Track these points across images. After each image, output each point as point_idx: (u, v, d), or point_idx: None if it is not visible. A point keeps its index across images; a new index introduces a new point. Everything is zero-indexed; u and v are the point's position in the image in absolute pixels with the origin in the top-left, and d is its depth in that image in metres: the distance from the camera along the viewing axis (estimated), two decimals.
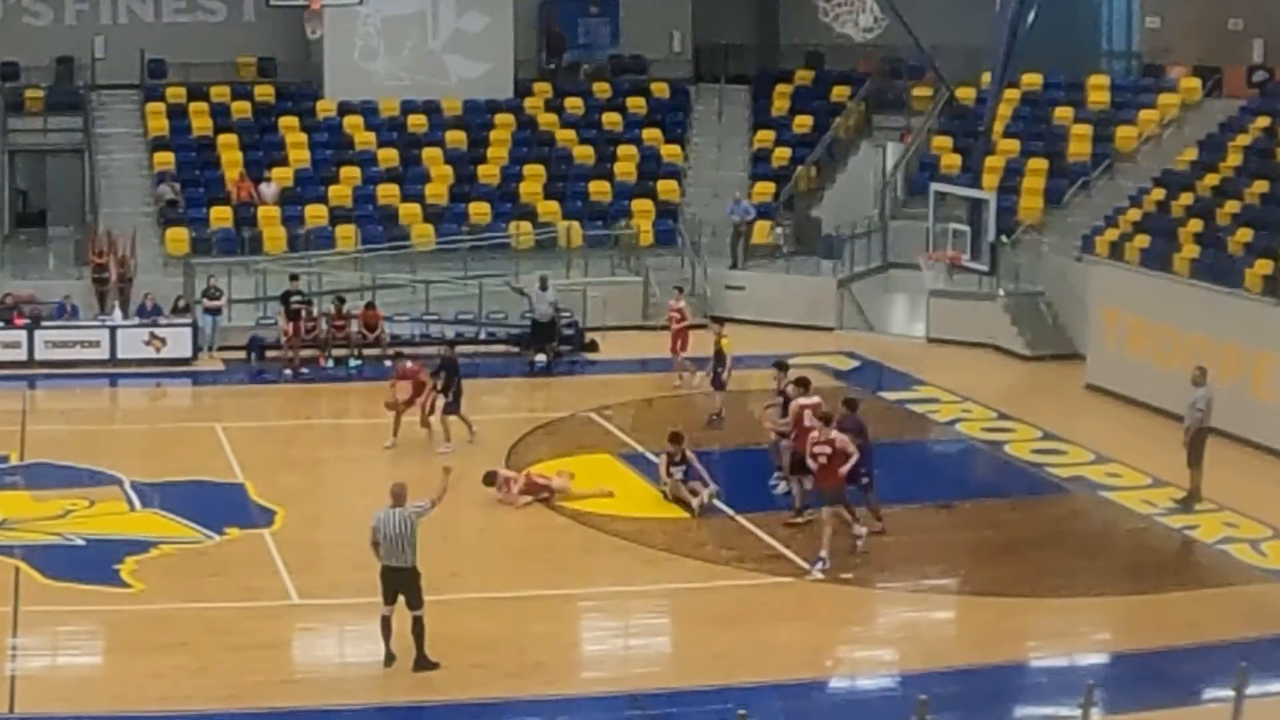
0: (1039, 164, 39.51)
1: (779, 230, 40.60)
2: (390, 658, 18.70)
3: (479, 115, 42.93)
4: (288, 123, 42.05)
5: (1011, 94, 40.83)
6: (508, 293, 37.05)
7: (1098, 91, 41.10)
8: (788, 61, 45.74)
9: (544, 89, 43.99)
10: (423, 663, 18.62)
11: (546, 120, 43.06)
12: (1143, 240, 34.66)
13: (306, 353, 34.59)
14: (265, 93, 42.78)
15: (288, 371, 33.90)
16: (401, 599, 18.65)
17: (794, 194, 41.72)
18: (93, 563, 22.20)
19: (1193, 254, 33.15)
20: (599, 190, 41.49)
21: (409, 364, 28.76)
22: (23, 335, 34.19)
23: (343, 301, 35.02)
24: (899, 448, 29.58)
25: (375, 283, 37.12)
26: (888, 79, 43.74)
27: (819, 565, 21.92)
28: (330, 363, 34.65)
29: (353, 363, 34.74)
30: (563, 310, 35.66)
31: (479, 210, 40.20)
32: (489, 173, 41.60)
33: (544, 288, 34.69)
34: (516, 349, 35.57)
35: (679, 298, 34.07)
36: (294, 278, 35.23)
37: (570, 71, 45.14)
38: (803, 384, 25.04)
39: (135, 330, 34.59)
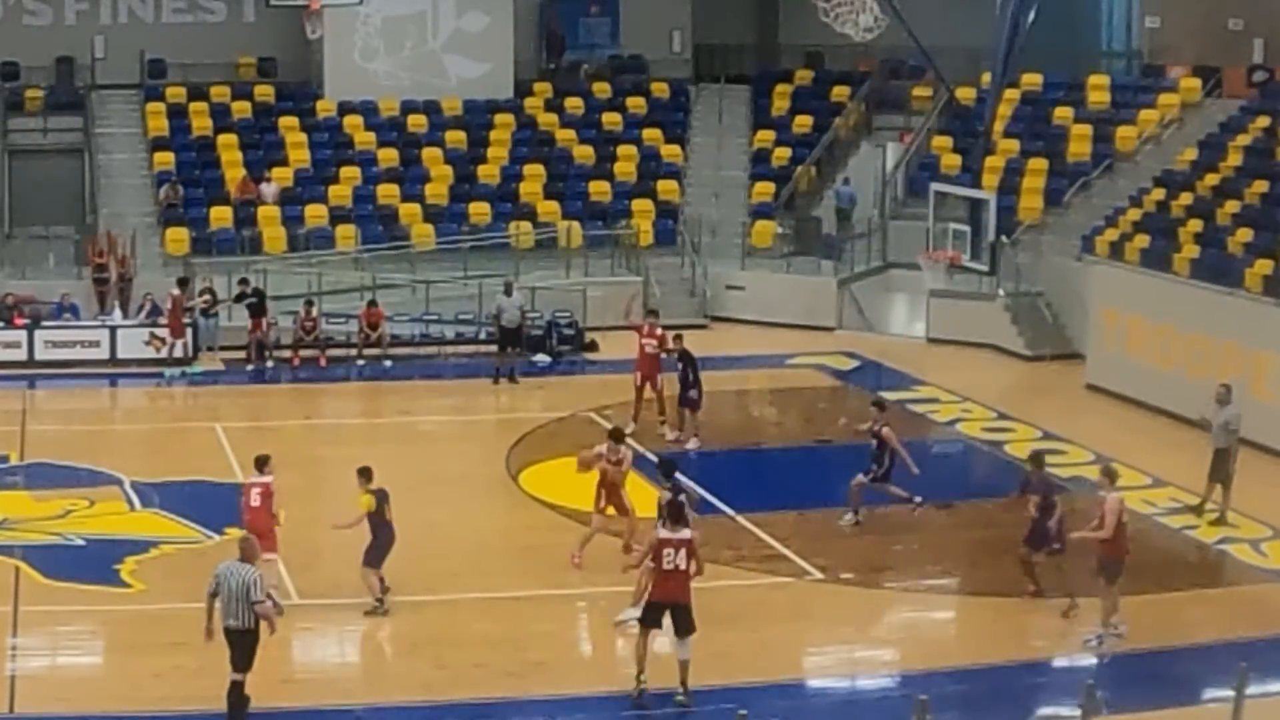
0: (1039, 164, 39.51)
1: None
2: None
3: (479, 115, 42.93)
4: (288, 123, 42.06)
5: (1011, 94, 40.84)
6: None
7: (1098, 91, 41.11)
8: (788, 61, 45.76)
9: (544, 89, 43.99)
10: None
11: (546, 120, 43.06)
12: (1143, 240, 34.67)
13: (306, 353, 34.65)
14: (265, 93, 42.78)
15: (250, 368, 34.04)
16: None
17: (794, 194, 41.74)
18: (93, 563, 22.22)
19: (1193, 254, 33.17)
20: (599, 190, 41.49)
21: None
22: (23, 335, 34.20)
23: (310, 304, 34.98)
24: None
25: (375, 282, 37.12)
26: (888, 79, 43.75)
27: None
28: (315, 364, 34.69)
29: (359, 362, 34.78)
30: (530, 314, 35.51)
31: (479, 210, 40.21)
32: (489, 173, 41.61)
33: (509, 293, 34.12)
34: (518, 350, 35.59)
35: (655, 322, 29.98)
36: (243, 280, 35.09)
37: (570, 71, 45.13)
38: (1111, 475, 20.85)
39: (135, 330, 34.60)
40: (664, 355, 29.23)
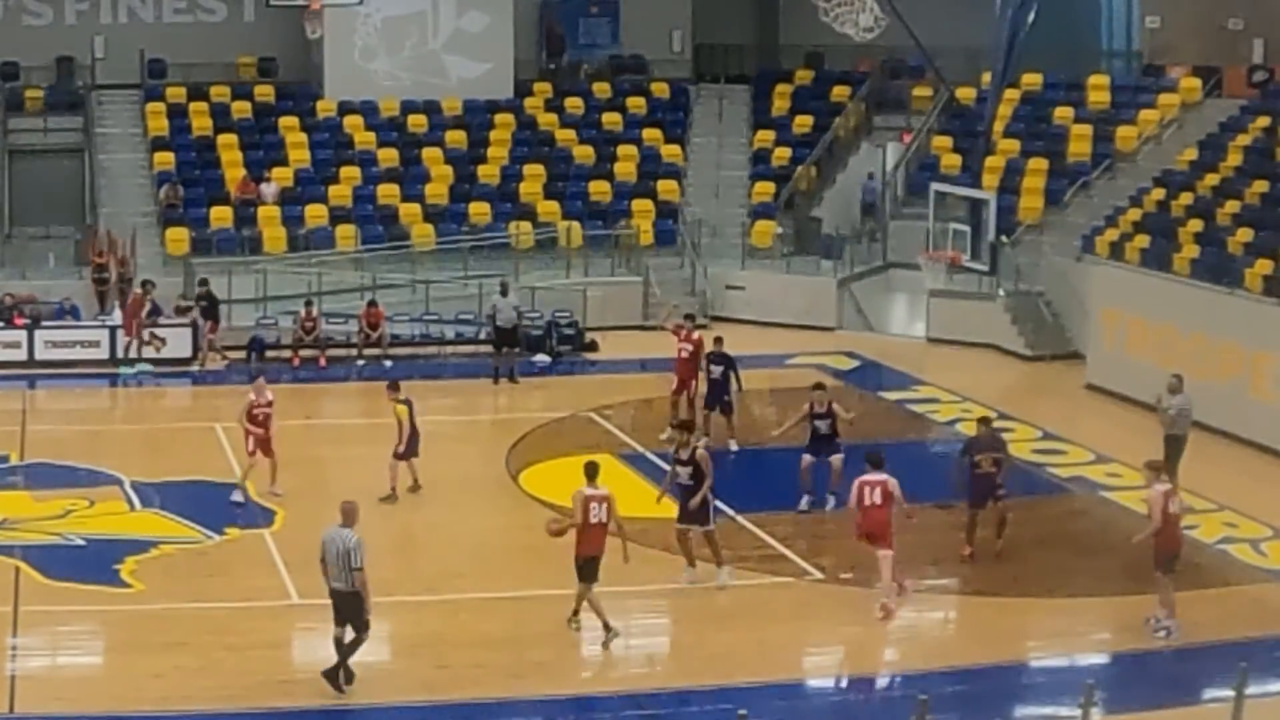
0: (1039, 164, 39.52)
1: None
2: (350, 676, 18.30)
3: (479, 115, 42.93)
4: (288, 123, 42.07)
5: (1011, 94, 40.85)
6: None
7: (1098, 91, 41.12)
8: (788, 61, 45.76)
9: (544, 89, 44.00)
10: (339, 675, 18.18)
11: (546, 120, 43.07)
12: (1143, 240, 34.68)
13: (307, 353, 34.65)
14: (265, 93, 42.80)
15: (196, 367, 34.27)
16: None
17: (794, 194, 41.74)
18: (93, 563, 22.22)
19: (1193, 254, 33.18)
20: (599, 190, 41.49)
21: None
22: (23, 335, 34.20)
23: (310, 304, 35.02)
24: (899, 448, 29.61)
25: (375, 282, 37.14)
26: (888, 79, 43.77)
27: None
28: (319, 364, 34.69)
29: (359, 362, 34.80)
30: (527, 314, 35.48)
31: (479, 210, 40.21)
32: (489, 173, 41.61)
33: (505, 293, 34.11)
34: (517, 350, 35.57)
35: (690, 326, 29.73)
36: (202, 282, 35.17)
37: (570, 71, 45.15)
38: (1156, 468, 20.95)
39: None
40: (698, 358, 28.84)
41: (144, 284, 34.93)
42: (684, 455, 21.74)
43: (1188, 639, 20.05)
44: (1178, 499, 20.63)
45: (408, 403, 25.19)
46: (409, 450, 25.14)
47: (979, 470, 22.86)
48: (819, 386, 26.00)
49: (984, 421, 23.98)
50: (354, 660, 18.67)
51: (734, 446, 27.97)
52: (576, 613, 19.93)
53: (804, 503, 24.77)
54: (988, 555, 22.81)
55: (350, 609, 18.10)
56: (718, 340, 28.94)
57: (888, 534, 20.95)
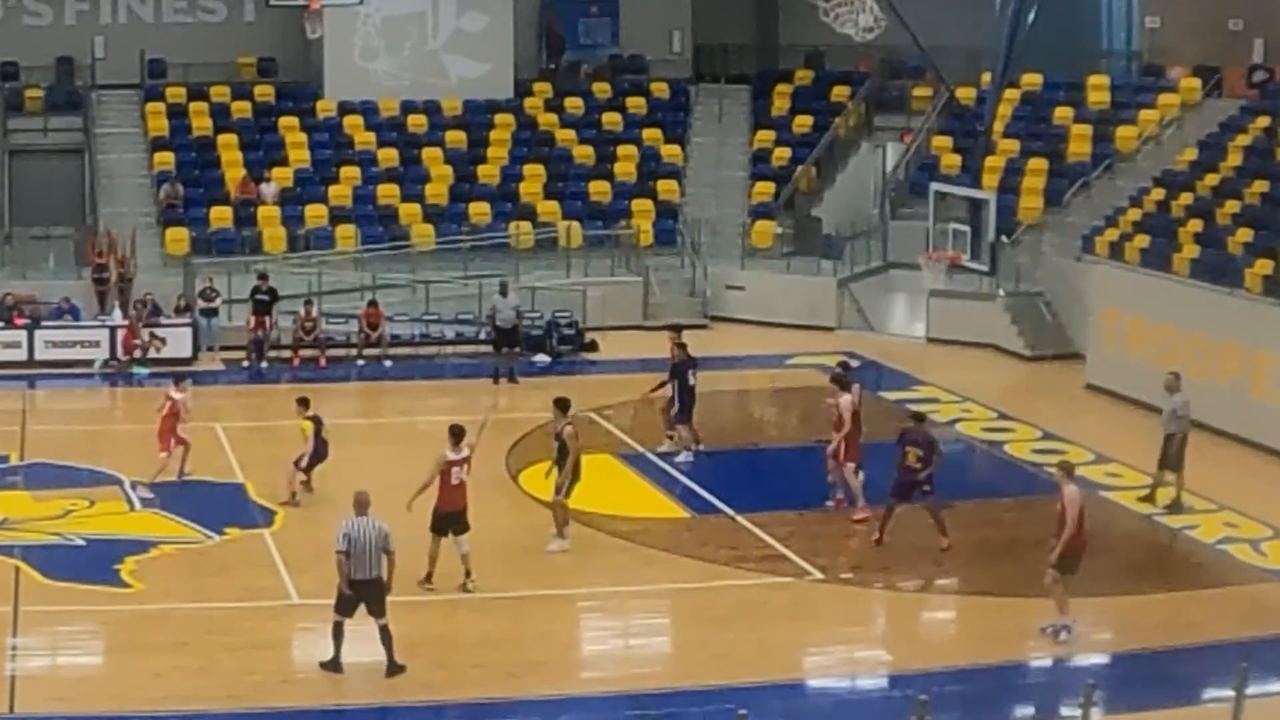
0: (1039, 164, 39.51)
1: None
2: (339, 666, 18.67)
3: (479, 115, 42.93)
4: (288, 123, 42.06)
5: (1011, 94, 40.84)
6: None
7: (1098, 91, 41.11)
8: (788, 61, 45.74)
9: (544, 89, 43.99)
10: (394, 667, 18.68)
11: (546, 120, 43.06)
12: (1143, 240, 34.68)
13: (306, 353, 34.65)
14: (265, 93, 42.79)
15: (246, 365, 34.06)
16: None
17: (794, 194, 41.74)
18: (93, 563, 22.22)
19: (1193, 254, 33.17)
20: (599, 190, 41.49)
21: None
22: (23, 335, 34.20)
23: (310, 304, 35.02)
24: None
25: (375, 282, 37.14)
26: (888, 79, 43.75)
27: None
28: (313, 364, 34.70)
29: (359, 362, 34.80)
30: (527, 314, 35.47)
31: (479, 210, 40.21)
32: (489, 173, 41.61)
33: (504, 293, 34.13)
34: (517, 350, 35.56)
35: (674, 336, 28.96)
36: (263, 275, 35.24)
37: (570, 71, 45.14)
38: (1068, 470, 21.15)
39: None
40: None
41: (141, 303, 35.01)
42: (553, 430, 23.26)
43: (1188, 639, 20.05)
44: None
45: (316, 419, 25.43)
46: (311, 465, 25.19)
47: (904, 462, 23.12)
48: (842, 365, 26.96)
49: (916, 417, 24.31)
50: (355, 659, 18.72)
51: (693, 449, 27.75)
52: (430, 575, 21.18)
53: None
54: (938, 554, 22.92)
55: (377, 597, 18.60)
56: (681, 346, 28.34)
57: None
